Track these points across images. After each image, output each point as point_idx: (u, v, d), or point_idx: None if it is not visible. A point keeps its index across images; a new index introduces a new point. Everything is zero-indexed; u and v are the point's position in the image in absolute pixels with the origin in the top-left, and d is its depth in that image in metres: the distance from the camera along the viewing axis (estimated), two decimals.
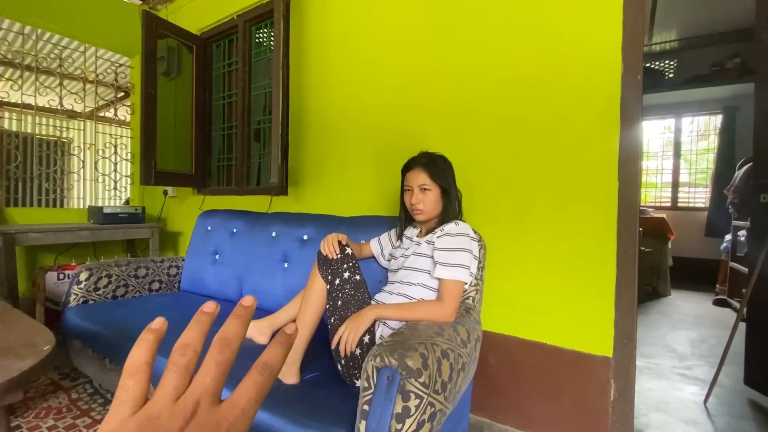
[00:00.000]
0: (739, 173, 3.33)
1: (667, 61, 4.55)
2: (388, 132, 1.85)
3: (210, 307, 0.25)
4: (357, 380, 1.09)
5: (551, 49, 1.42)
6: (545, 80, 1.43)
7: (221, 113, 2.78)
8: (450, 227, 1.20)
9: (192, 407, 0.21)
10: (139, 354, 0.23)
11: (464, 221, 1.26)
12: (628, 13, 1.26)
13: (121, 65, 3.19)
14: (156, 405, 0.21)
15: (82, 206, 3.04)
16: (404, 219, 1.40)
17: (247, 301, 0.25)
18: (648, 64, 4.58)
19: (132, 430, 0.20)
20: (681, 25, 4.01)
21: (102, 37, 2.95)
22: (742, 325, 1.86)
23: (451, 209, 1.27)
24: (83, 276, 1.80)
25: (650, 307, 3.41)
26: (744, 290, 1.79)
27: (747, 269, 2.13)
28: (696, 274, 4.38)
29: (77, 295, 1.78)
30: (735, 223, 3.21)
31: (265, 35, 2.58)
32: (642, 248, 3.62)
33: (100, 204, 3.18)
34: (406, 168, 1.32)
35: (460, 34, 1.63)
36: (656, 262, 3.82)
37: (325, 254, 1.23)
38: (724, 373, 1.91)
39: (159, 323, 0.24)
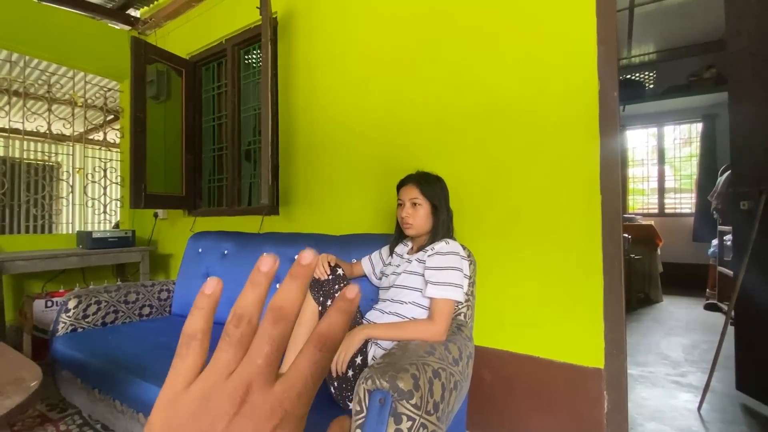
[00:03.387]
0: (721, 179, 3.41)
1: (646, 73, 4.69)
2: (377, 151, 1.88)
3: (267, 263, 0.21)
4: (350, 402, 1.09)
5: (530, 69, 1.47)
6: (526, 98, 1.48)
7: (211, 135, 2.80)
8: (440, 246, 1.22)
9: (243, 390, 0.18)
10: (194, 322, 0.21)
11: (455, 239, 1.28)
12: (602, 34, 1.32)
13: (110, 89, 3.20)
14: (207, 382, 0.19)
15: (71, 231, 3.01)
16: (399, 235, 1.42)
17: (307, 257, 0.21)
18: (628, 76, 4.72)
19: (184, 410, 0.19)
20: (658, 38, 4.15)
21: (91, 63, 2.97)
22: (733, 330, 1.88)
23: (441, 226, 1.29)
24: (72, 304, 1.78)
25: (643, 314, 3.44)
26: (732, 294, 1.82)
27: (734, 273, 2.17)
28: (686, 279, 4.43)
29: (65, 323, 1.76)
30: (720, 228, 3.28)
31: (254, 58, 2.62)
32: (632, 255, 3.67)
33: (89, 228, 3.15)
34: (401, 184, 1.35)
35: (443, 55, 1.67)
36: (647, 268, 3.87)
37: (316, 276, 1.24)
38: (716, 378, 1.93)
39: (212, 286, 0.21)
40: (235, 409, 0.18)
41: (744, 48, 1.87)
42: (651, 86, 4.69)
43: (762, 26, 1.79)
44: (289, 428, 0.18)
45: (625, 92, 4.47)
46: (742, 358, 1.87)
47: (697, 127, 4.74)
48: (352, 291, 0.21)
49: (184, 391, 0.19)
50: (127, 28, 3.16)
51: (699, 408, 1.74)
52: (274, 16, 2.28)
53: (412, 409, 0.83)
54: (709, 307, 3.50)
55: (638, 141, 5.25)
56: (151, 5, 3.04)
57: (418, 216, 1.28)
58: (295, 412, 0.19)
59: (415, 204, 1.29)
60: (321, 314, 1.19)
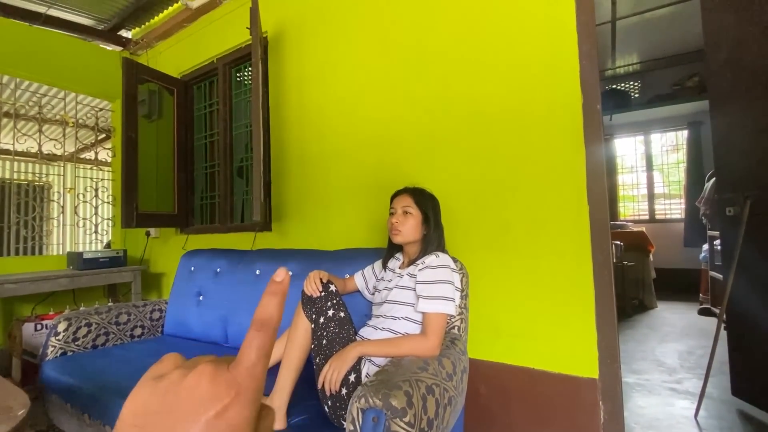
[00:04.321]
0: (708, 185, 3.47)
1: (631, 83, 4.80)
2: (368, 165, 1.90)
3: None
4: (345, 421, 1.07)
5: (516, 84, 1.50)
6: (513, 112, 1.51)
7: (203, 152, 2.81)
8: (431, 259, 1.23)
9: (198, 373, 0.21)
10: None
11: (446, 252, 1.29)
12: (583, 49, 1.36)
13: (101, 109, 3.21)
14: (166, 373, 0.22)
15: (61, 252, 2.97)
16: (391, 248, 1.42)
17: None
18: (614, 86, 4.82)
19: (145, 392, 0.21)
20: (641, 49, 4.26)
21: (82, 84, 2.98)
22: (725, 335, 1.90)
23: (432, 238, 1.30)
24: (61, 327, 1.75)
25: (638, 321, 3.45)
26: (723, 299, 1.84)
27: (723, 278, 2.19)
28: (679, 285, 4.46)
29: (55, 347, 1.73)
30: (710, 233, 3.32)
31: (245, 76, 2.65)
32: (624, 262, 3.70)
33: (80, 249, 3.12)
34: (395, 195, 1.37)
35: (431, 70, 1.71)
36: (640, 275, 3.89)
37: (308, 293, 1.23)
38: (712, 384, 1.94)
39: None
40: (193, 390, 0.20)
41: (723, 58, 1.93)
42: (636, 95, 4.79)
43: (739, 38, 1.85)
44: (246, 398, 0.21)
45: (612, 102, 4.56)
46: (736, 363, 1.88)
47: (683, 134, 4.84)
48: (280, 274, 0.24)
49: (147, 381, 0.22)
50: (118, 48, 3.19)
51: (696, 415, 1.74)
52: (264, 35, 2.32)
53: (405, 427, 0.83)
54: (703, 312, 3.53)
55: (627, 149, 5.34)
56: (143, 26, 3.08)
57: (408, 224, 1.29)
58: (248, 384, 0.21)
59: (406, 212, 1.30)
60: (313, 332, 1.19)
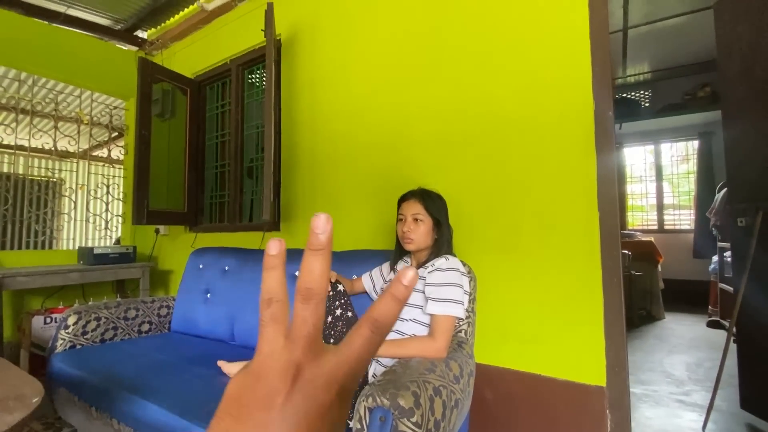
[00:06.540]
0: (718, 196, 3.43)
1: (642, 92, 4.78)
2: (378, 167, 1.91)
3: (275, 247, 0.22)
4: (350, 420, 1.08)
5: (529, 89, 1.50)
6: (525, 117, 1.51)
7: (214, 152, 2.84)
8: (440, 262, 1.23)
9: (293, 369, 0.19)
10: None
11: (455, 255, 1.29)
12: (596, 56, 1.36)
13: (115, 107, 3.26)
14: (257, 361, 0.20)
15: (72, 247, 3.01)
16: (399, 251, 1.42)
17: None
18: (625, 95, 4.80)
19: (244, 387, 0.20)
20: (652, 58, 4.25)
21: (98, 82, 3.04)
22: (735, 348, 1.87)
23: (442, 243, 1.30)
24: (71, 320, 1.78)
25: (645, 332, 3.41)
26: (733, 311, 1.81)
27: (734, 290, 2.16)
28: (688, 296, 4.40)
29: (64, 340, 1.75)
30: (720, 244, 3.28)
31: (257, 77, 2.68)
32: (633, 272, 3.67)
33: (90, 244, 3.16)
34: (402, 199, 1.36)
35: (443, 74, 1.72)
36: (648, 285, 3.85)
37: None
38: (720, 397, 1.90)
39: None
40: (288, 386, 0.19)
41: (736, 68, 1.92)
42: (647, 105, 4.77)
43: (753, 47, 1.84)
44: (345, 401, 0.19)
45: (622, 110, 4.55)
46: (746, 376, 1.85)
47: (694, 144, 4.80)
48: (407, 277, 0.21)
49: (246, 370, 0.20)
50: (134, 48, 3.25)
51: (704, 428, 1.72)
52: (278, 38, 2.35)
53: (412, 427, 0.83)
54: (712, 324, 3.47)
55: (636, 158, 5.30)
56: (159, 27, 3.13)
57: (420, 231, 1.29)
58: (349, 386, 0.19)
59: (416, 219, 1.30)
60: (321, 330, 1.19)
